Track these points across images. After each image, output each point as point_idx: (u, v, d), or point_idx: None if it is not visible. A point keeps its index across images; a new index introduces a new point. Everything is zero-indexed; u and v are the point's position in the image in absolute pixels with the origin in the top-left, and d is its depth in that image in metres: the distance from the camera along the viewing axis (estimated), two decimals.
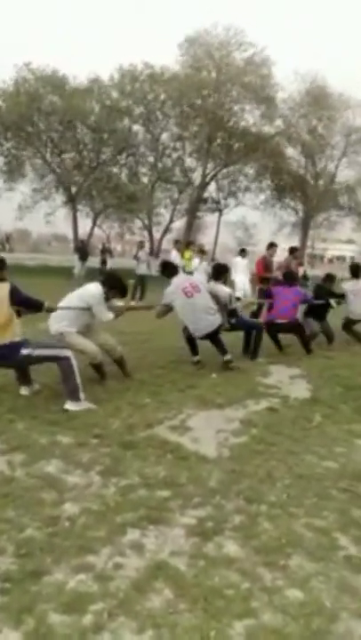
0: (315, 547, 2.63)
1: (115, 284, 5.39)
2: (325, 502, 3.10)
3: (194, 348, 6.49)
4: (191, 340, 6.46)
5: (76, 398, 4.47)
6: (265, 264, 10.75)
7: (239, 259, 13.42)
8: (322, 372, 6.49)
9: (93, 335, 5.38)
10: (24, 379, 4.89)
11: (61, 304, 5.22)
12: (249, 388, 5.54)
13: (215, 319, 6.25)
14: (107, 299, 5.29)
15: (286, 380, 6.07)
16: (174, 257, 12.98)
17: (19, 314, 4.53)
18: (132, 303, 5.64)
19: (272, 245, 11.19)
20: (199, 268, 12.65)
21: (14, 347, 4.38)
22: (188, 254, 13.82)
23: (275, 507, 3.02)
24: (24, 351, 4.41)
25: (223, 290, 6.64)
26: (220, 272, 6.92)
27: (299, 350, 7.59)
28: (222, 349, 6.30)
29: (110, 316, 5.30)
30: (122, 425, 4.18)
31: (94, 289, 5.22)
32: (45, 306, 4.79)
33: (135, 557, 2.48)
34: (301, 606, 2.18)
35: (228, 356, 6.26)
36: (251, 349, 7.06)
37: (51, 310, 5.01)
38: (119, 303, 5.67)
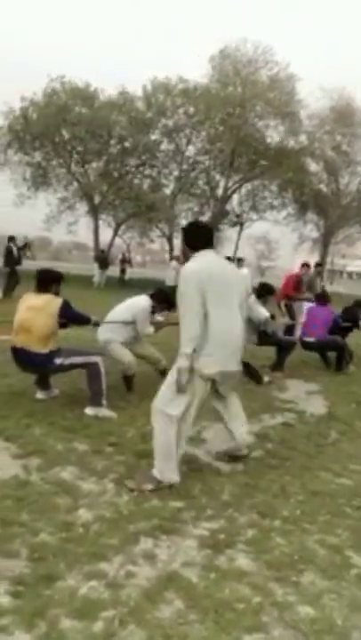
0: (327, 564, 2.62)
1: (164, 299, 5.50)
2: (339, 520, 3.09)
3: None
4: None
5: (98, 403, 4.55)
6: (296, 283, 10.38)
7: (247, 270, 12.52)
8: (339, 388, 6.46)
9: (139, 347, 5.50)
10: (44, 384, 4.94)
11: (109, 317, 5.38)
12: (265, 403, 5.53)
13: None
14: (153, 312, 5.38)
15: (303, 395, 6.05)
16: (174, 267, 12.58)
17: (65, 324, 4.71)
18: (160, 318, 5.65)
19: (306, 266, 10.88)
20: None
21: (51, 356, 4.51)
22: None
23: (288, 522, 3.01)
24: (57, 360, 4.53)
25: (260, 311, 6.53)
26: (264, 291, 6.86)
27: (316, 365, 7.56)
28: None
29: (151, 330, 5.39)
30: (137, 434, 4.20)
31: (144, 302, 5.36)
32: (93, 320, 4.95)
33: (147, 567, 2.49)
34: (312, 623, 2.17)
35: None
36: (275, 362, 7.00)
37: (97, 325, 5.16)
38: (159, 317, 5.74)
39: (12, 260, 14.23)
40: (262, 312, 6.56)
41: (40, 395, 4.92)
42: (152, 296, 5.45)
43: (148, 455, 3.70)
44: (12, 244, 14.53)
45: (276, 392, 6.07)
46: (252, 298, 6.72)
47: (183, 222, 30.09)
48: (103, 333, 5.33)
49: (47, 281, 4.69)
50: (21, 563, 2.42)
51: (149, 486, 3.22)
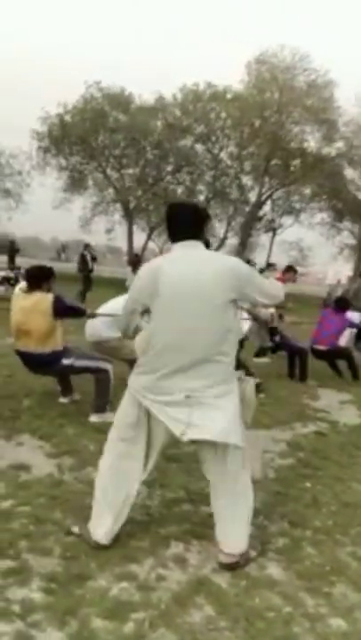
0: (359, 576, 2.58)
1: None
2: None
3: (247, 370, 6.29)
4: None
5: (103, 410, 4.47)
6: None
7: None
8: None
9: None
10: (65, 389, 4.94)
11: (104, 309, 5.22)
12: (297, 411, 5.48)
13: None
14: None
15: (336, 404, 5.97)
16: None
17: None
18: None
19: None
20: None
21: (55, 356, 4.42)
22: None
23: (319, 532, 2.97)
24: (65, 361, 4.44)
25: (264, 310, 6.56)
26: None
27: (348, 375, 7.44)
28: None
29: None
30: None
31: None
32: (88, 313, 4.87)
33: (178, 571, 2.49)
34: (344, 636, 2.14)
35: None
36: (296, 372, 6.96)
37: (92, 316, 5.04)
38: None
39: (86, 266, 15.41)
40: (266, 311, 6.54)
41: (63, 399, 4.91)
42: None
43: (179, 460, 3.71)
44: (86, 252, 15.69)
45: (309, 400, 6.01)
46: None
47: (217, 226, 30.22)
48: (96, 332, 5.11)
49: (38, 278, 4.50)
50: (54, 560, 2.46)
51: None
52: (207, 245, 2.64)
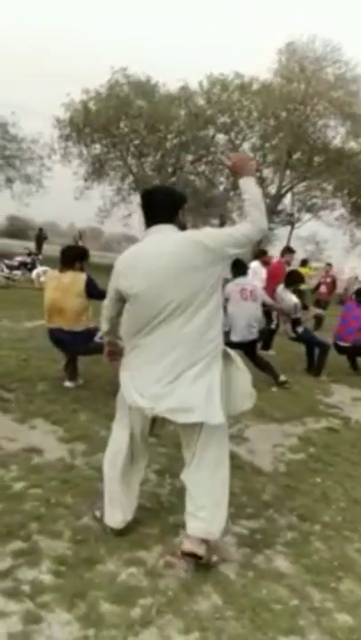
0: None
1: None
2: None
3: (272, 371, 6.09)
4: (267, 364, 6.11)
5: None
6: None
7: (257, 263, 9.56)
8: None
9: None
10: (73, 373, 4.97)
11: None
12: (309, 406, 5.46)
13: (254, 332, 5.99)
14: None
15: (348, 401, 5.94)
16: (255, 268, 9.90)
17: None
18: None
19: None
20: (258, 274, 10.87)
21: (89, 334, 4.52)
22: (304, 270, 11.85)
23: (328, 528, 2.97)
24: (97, 339, 4.42)
25: (290, 298, 6.53)
26: (290, 280, 6.82)
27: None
28: (256, 363, 5.97)
29: None
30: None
31: None
32: None
33: (186, 559, 2.51)
34: (350, 631, 2.15)
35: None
36: (315, 366, 6.93)
37: None
38: None
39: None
40: (291, 299, 6.49)
41: (68, 384, 4.93)
42: None
43: None
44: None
45: (321, 395, 5.98)
46: (281, 287, 6.69)
47: (235, 217, 30.09)
48: None
49: (71, 257, 4.68)
50: (64, 544, 2.49)
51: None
52: (183, 229, 2.55)
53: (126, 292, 2.46)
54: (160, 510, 2.92)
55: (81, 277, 4.56)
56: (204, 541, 2.43)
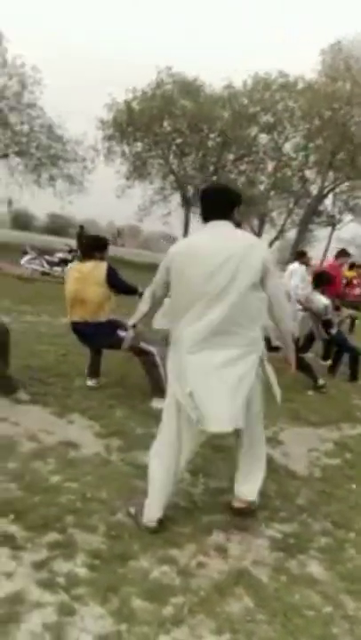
0: None
1: None
2: None
3: (312, 373, 6.02)
4: (308, 366, 6.03)
5: (161, 394, 4.35)
6: None
7: (296, 265, 9.11)
8: None
9: None
10: (95, 370, 4.93)
11: None
12: (345, 410, 5.38)
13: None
14: None
15: None
16: (294, 270, 9.70)
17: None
18: None
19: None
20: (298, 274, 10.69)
21: (113, 326, 4.47)
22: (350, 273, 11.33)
23: None
24: (121, 333, 4.45)
25: (319, 299, 6.42)
26: (320, 281, 6.71)
27: None
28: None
29: None
30: None
31: None
32: (140, 291, 4.75)
33: (218, 559, 2.51)
34: None
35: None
36: (338, 370, 6.80)
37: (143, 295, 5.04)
38: None
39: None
40: (321, 300, 6.37)
41: (90, 382, 4.89)
42: None
43: (224, 450, 3.72)
44: None
45: (358, 401, 5.88)
46: (309, 288, 6.58)
47: (274, 215, 29.81)
48: (160, 319, 5.24)
49: (92, 247, 4.62)
50: (99, 538, 2.52)
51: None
52: (238, 226, 2.72)
53: (177, 275, 2.61)
54: (193, 510, 2.92)
55: (102, 266, 4.50)
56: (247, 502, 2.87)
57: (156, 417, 4.15)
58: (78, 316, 4.53)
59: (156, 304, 2.95)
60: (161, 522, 2.65)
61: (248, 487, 2.87)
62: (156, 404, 4.45)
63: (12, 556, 2.28)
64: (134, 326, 3.16)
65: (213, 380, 2.51)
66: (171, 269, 2.66)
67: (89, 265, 4.52)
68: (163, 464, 2.68)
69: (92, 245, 4.65)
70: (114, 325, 4.51)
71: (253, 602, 2.24)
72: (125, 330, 4.45)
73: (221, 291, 2.47)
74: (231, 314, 2.49)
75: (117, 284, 4.56)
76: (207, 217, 2.65)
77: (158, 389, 4.47)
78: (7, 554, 2.28)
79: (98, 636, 1.92)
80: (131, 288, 4.70)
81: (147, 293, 2.98)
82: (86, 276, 4.46)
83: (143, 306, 2.99)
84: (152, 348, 4.55)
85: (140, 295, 4.91)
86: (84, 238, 4.78)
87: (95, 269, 4.47)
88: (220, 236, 2.56)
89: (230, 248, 2.49)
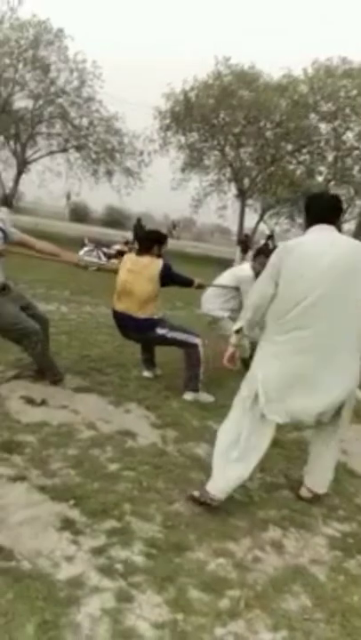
0: None
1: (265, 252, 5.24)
2: None
3: None
4: None
5: (195, 388, 4.47)
6: None
7: None
8: None
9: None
10: (150, 362, 4.97)
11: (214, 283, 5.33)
12: None
13: None
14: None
15: None
16: None
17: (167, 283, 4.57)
18: None
19: None
20: None
21: (151, 323, 4.46)
22: None
23: None
24: (159, 331, 4.46)
25: None
26: None
27: None
28: None
29: None
30: None
31: (247, 269, 5.22)
32: (195, 283, 4.83)
33: (274, 555, 2.49)
34: None
35: None
36: None
37: (200, 287, 5.03)
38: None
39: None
40: None
41: (146, 373, 4.93)
42: (255, 256, 5.24)
43: (281, 445, 3.67)
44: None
45: None
46: None
47: None
48: (206, 304, 5.29)
49: (150, 241, 4.59)
50: (155, 527, 2.54)
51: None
52: (339, 231, 2.81)
53: (286, 278, 2.62)
54: (249, 504, 2.90)
55: (157, 262, 4.47)
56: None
57: (211, 411, 4.17)
58: (123, 306, 4.52)
59: (262, 308, 2.78)
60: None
61: (319, 479, 3.01)
62: (188, 396, 4.47)
63: (73, 540, 2.33)
64: (238, 331, 3.03)
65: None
66: (281, 270, 2.64)
67: (145, 259, 4.51)
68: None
69: (151, 239, 4.63)
70: (153, 323, 4.48)
71: (311, 600, 2.20)
72: (164, 327, 4.48)
73: (330, 295, 2.56)
74: (340, 319, 2.59)
75: (174, 280, 4.57)
76: (313, 221, 2.75)
77: (194, 383, 4.48)
78: (68, 538, 2.34)
79: (155, 624, 1.94)
80: (187, 280, 4.73)
81: (254, 299, 2.82)
82: (140, 270, 4.45)
83: (248, 313, 2.85)
84: (197, 340, 4.53)
85: (198, 287, 4.94)
86: (142, 232, 4.76)
87: (150, 265, 4.45)
88: (331, 241, 2.64)
89: (341, 254, 2.58)
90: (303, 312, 2.57)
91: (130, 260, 4.63)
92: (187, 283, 4.74)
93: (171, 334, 4.49)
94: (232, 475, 2.73)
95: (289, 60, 46.54)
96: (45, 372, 4.27)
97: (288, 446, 3.73)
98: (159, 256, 4.57)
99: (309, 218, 2.79)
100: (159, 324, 4.49)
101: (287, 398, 2.65)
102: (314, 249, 2.62)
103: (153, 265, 4.44)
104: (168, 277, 4.48)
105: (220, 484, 2.74)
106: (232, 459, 2.73)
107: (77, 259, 5.44)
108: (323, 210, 2.76)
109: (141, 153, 26.55)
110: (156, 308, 4.50)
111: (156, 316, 4.49)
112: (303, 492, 3.02)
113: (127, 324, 4.58)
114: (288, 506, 2.93)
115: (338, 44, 42.96)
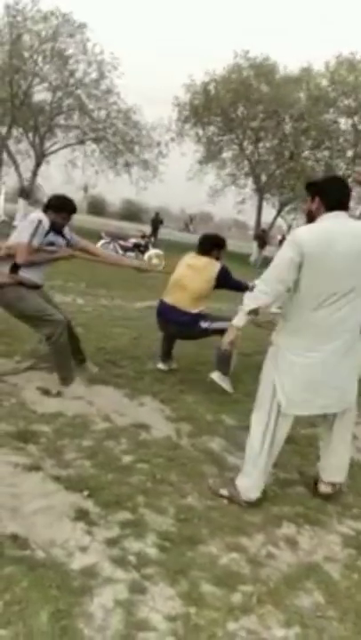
0: None
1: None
2: None
3: None
4: None
5: (225, 371, 4.47)
6: None
7: None
8: None
9: None
10: (169, 354, 4.96)
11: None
12: None
13: None
14: None
15: None
16: None
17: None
18: None
19: None
20: None
21: (197, 318, 4.52)
22: None
23: None
24: (203, 324, 4.51)
25: None
26: None
27: None
28: None
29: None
30: None
31: None
32: (250, 287, 4.82)
33: (288, 552, 2.48)
34: None
35: None
36: None
37: (251, 289, 5.02)
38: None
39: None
40: None
41: (161, 365, 4.92)
42: None
43: (294, 442, 3.64)
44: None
45: None
46: None
47: (352, 207, 28.70)
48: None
49: (211, 244, 4.70)
50: (168, 520, 2.54)
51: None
52: None
53: (311, 265, 2.54)
54: (263, 500, 2.88)
55: (215, 264, 4.56)
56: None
57: (225, 405, 4.16)
58: (173, 299, 4.56)
59: (283, 297, 2.75)
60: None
61: (336, 468, 3.00)
62: (215, 375, 4.48)
63: (87, 531, 2.34)
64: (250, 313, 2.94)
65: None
66: (304, 257, 2.53)
67: (204, 260, 4.61)
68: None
69: (212, 242, 4.74)
70: (198, 318, 4.53)
71: (324, 598, 2.19)
72: (208, 321, 4.52)
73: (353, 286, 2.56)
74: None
75: (229, 283, 4.63)
76: (334, 206, 2.63)
77: (225, 366, 4.47)
78: (82, 528, 2.35)
79: (167, 617, 1.94)
80: (242, 285, 4.69)
81: (264, 286, 2.79)
82: (198, 269, 4.55)
83: (265, 297, 2.78)
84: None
85: (251, 289, 4.92)
86: (202, 235, 4.84)
87: (208, 266, 4.55)
88: (351, 229, 2.60)
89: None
90: (333, 306, 2.58)
91: (191, 257, 4.74)
92: (242, 287, 4.63)
93: (213, 326, 4.50)
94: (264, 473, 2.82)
95: (290, 60, 45.79)
96: (58, 368, 4.08)
97: (302, 443, 3.71)
98: (217, 259, 4.66)
99: (326, 202, 2.64)
100: (203, 318, 4.55)
101: (308, 398, 2.72)
102: (333, 232, 2.54)
103: (211, 266, 4.55)
104: (224, 280, 4.57)
105: (260, 482, 2.80)
106: (263, 456, 2.80)
107: (137, 264, 5.50)
108: (343, 195, 2.66)
109: (158, 144, 26.45)
110: (204, 306, 4.60)
111: (201, 312, 4.57)
112: (322, 488, 3.00)
113: (170, 318, 4.62)
114: (302, 502, 2.92)
115: (337, 44, 42.24)
